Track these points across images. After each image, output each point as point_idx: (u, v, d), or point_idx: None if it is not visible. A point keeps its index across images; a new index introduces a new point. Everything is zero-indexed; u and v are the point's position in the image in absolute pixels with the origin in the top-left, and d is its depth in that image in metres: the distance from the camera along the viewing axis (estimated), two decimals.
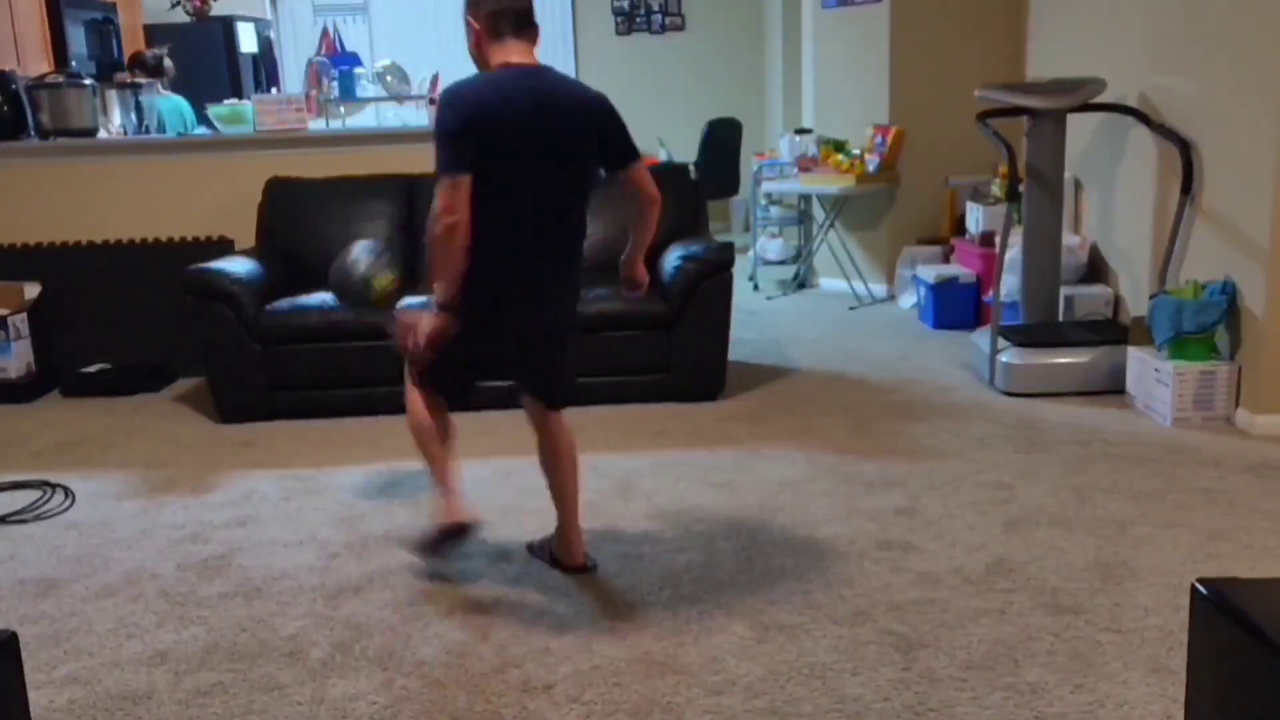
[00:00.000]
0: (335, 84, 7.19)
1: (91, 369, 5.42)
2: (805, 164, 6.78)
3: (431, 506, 3.25)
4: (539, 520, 3.51)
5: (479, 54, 2.90)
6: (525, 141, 2.79)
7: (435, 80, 6.29)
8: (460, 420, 4.60)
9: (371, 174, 5.34)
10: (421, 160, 5.49)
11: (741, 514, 3.51)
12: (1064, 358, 4.65)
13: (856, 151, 6.58)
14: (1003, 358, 4.69)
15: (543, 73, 2.87)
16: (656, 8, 9.48)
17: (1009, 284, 5.23)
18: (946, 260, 6.40)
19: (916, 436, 4.19)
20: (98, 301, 5.51)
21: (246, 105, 5.70)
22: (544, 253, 2.90)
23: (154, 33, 8.12)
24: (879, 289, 6.82)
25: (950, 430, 4.25)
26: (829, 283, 7.10)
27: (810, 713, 2.41)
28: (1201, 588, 1.68)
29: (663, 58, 9.54)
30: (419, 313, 2.89)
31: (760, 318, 6.41)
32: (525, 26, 2.88)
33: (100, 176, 5.53)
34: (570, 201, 2.90)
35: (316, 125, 6.43)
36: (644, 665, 2.63)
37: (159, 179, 5.56)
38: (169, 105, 6.27)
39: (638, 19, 9.50)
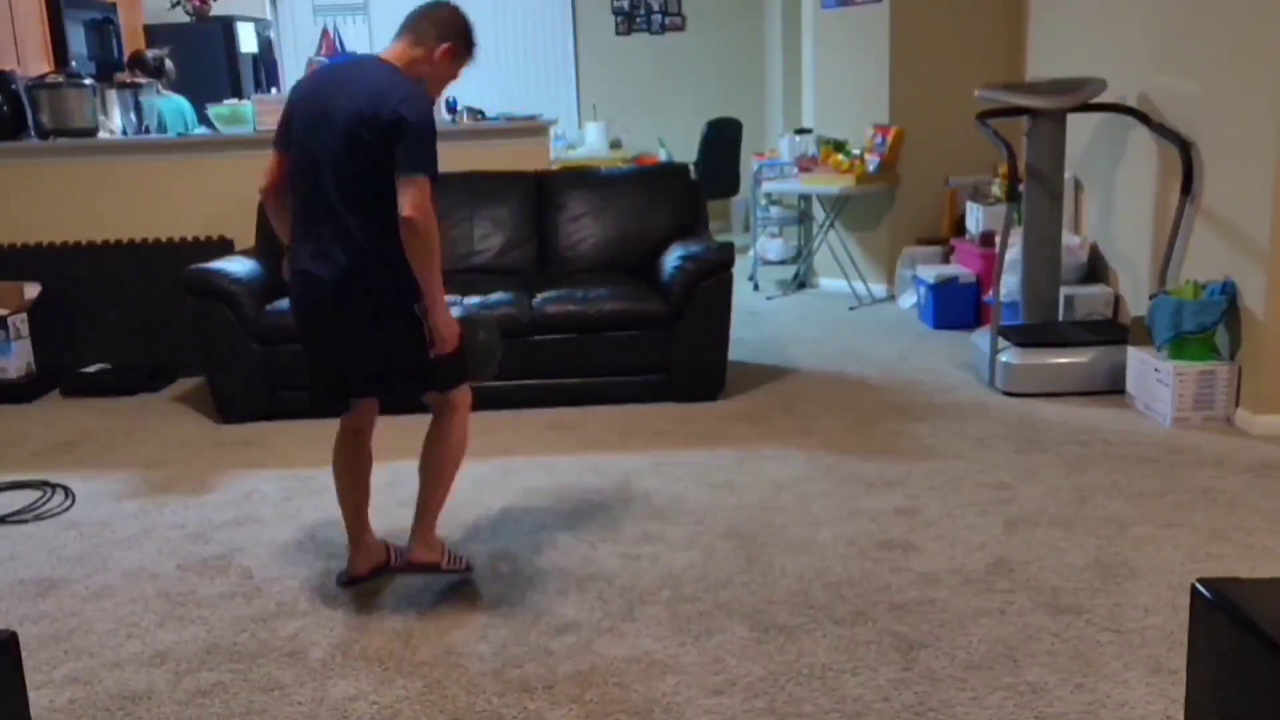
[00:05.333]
0: None
1: (91, 369, 5.42)
2: (805, 164, 6.78)
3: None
4: (539, 519, 3.52)
5: None
6: (300, 125, 2.89)
7: None
8: None
9: None
10: None
11: (741, 514, 3.51)
12: (1064, 358, 4.65)
13: (856, 151, 6.57)
14: (1003, 358, 4.69)
15: (358, 60, 2.93)
16: (656, 8, 9.48)
17: (1009, 284, 5.23)
18: (946, 260, 6.39)
19: (916, 436, 4.19)
20: (98, 301, 5.51)
21: (246, 105, 5.70)
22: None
23: (154, 33, 8.11)
24: (879, 289, 6.82)
25: (950, 430, 4.25)
26: (829, 283, 7.10)
27: (810, 713, 2.41)
28: (1201, 588, 1.68)
29: (663, 58, 9.53)
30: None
31: (760, 318, 6.41)
32: (401, 28, 2.95)
33: (100, 176, 5.53)
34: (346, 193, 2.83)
35: None
36: (644, 665, 2.63)
37: (159, 179, 5.56)
38: (169, 105, 6.27)
39: (638, 19, 9.50)
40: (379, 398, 3.11)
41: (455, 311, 3.06)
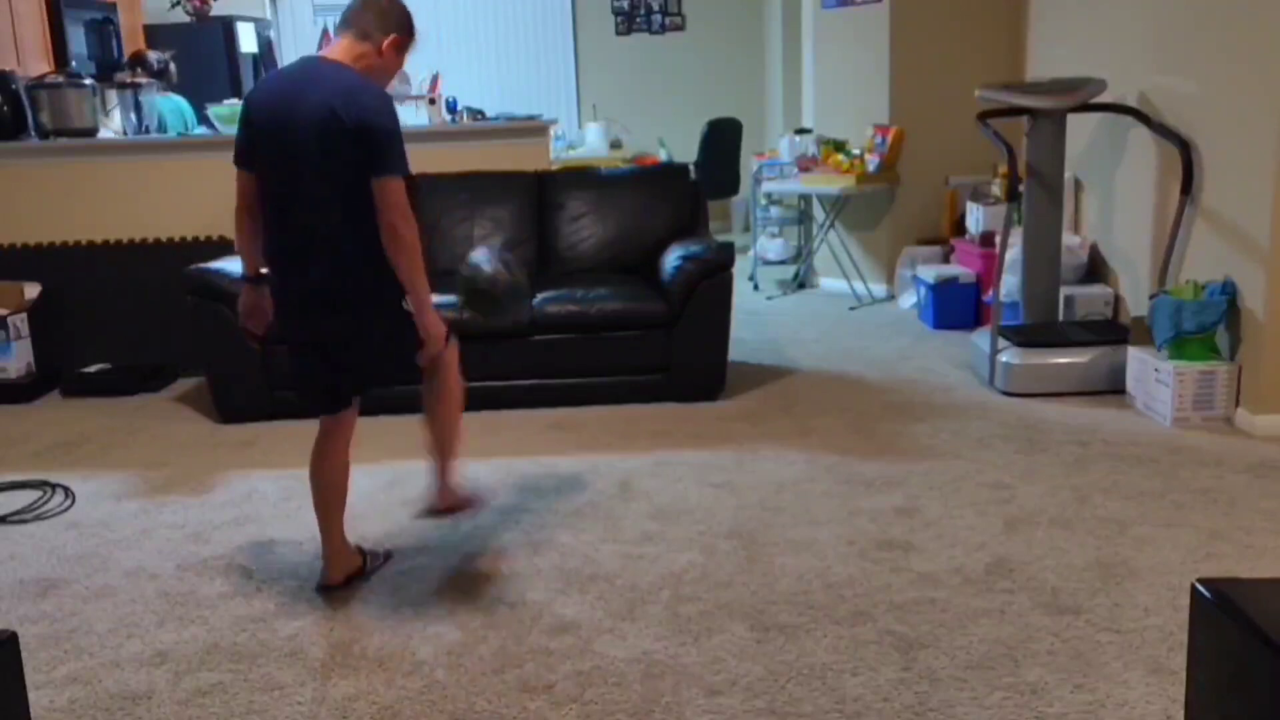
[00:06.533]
0: None
1: (91, 369, 5.42)
2: (805, 164, 6.78)
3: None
4: (539, 519, 3.52)
5: None
6: (264, 139, 2.86)
7: (435, 80, 6.28)
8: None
9: None
10: (422, 159, 5.48)
11: (741, 514, 3.51)
12: (1064, 358, 4.65)
13: (856, 151, 6.57)
14: (1003, 358, 4.69)
15: (309, 66, 2.89)
16: (656, 8, 9.48)
17: (1009, 284, 5.23)
18: (946, 260, 6.39)
19: (916, 436, 4.19)
20: (98, 301, 5.51)
21: None
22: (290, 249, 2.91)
23: (154, 33, 8.11)
24: (879, 289, 6.82)
25: (950, 430, 4.25)
26: (829, 283, 7.10)
27: (810, 713, 2.41)
28: (1201, 588, 1.68)
29: (663, 58, 9.53)
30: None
31: (760, 318, 6.41)
32: (342, 24, 2.93)
33: (100, 176, 5.53)
34: (318, 200, 2.82)
35: None
36: (644, 665, 2.63)
37: (159, 179, 5.56)
38: (169, 105, 6.27)
39: (638, 19, 9.50)
40: (377, 386, 3.15)
41: (479, 255, 3.17)
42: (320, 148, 2.77)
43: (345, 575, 3.11)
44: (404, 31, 2.95)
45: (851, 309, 6.55)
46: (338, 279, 2.87)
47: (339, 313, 2.91)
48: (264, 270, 3.01)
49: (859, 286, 6.79)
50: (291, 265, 2.89)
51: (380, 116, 2.78)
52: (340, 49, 2.90)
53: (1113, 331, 4.76)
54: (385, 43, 2.91)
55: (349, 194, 2.80)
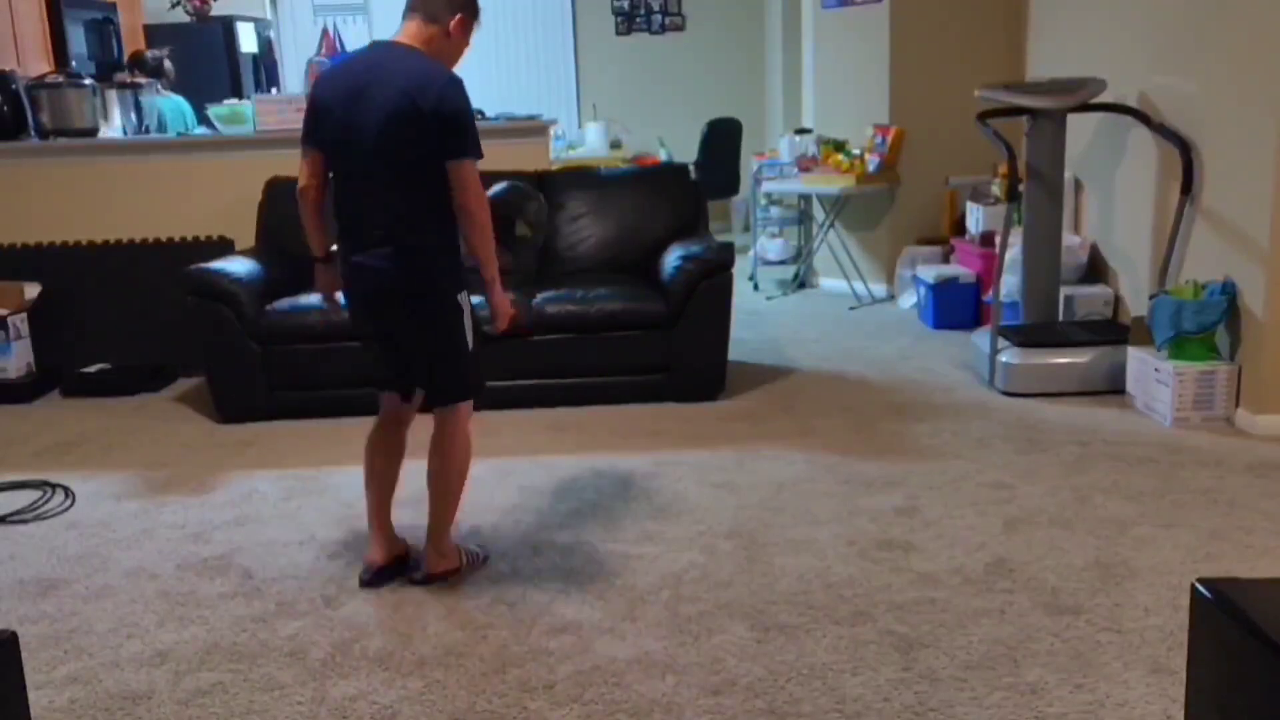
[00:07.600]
0: None
1: (91, 369, 5.42)
2: (805, 164, 6.78)
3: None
4: (539, 519, 3.52)
5: None
6: (337, 121, 2.89)
7: None
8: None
9: None
10: None
11: (741, 514, 3.51)
12: (1064, 358, 4.65)
13: (856, 151, 6.57)
14: (1003, 358, 4.69)
15: (381, 50, 2.91)
16: (656, 8, 9.48)
17: (1009, 284, 5.23)
18: (946, 260, 6.39)
19: (916, 436, 4.19)
20: (98, 301, 5.51)
21: (246, 105, 5.70)
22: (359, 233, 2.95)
23: (154, 33, 8.12)
24: (879, 289, 6.82)
25: (950, 430, 4.25)
26: (829, 283, 7.10)
27: (810, 713, 2.41)
28: (1201, 588, 1.67)
29: (663, 58, 9.53)
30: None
31: (760, 318, 6.41)
32: (410, 8, 2.96)
33: (100, 176, 5.53)
34: (390, 184, 2.87)
35: None
36: (644, 665, 2.63)
37: (159, 179, 5.56)
38: (169, 105, 6.27)
39: (638, 19, 9.50)
40: (407, 385, 3.15)
41: (498, 187, 3.16)
42: (392, 136, 2.82)
43: (390, 557, 3.13)
44: (469, 11, 2.99)
45: (851, 309, 6.55)
46: (396, 265, 2.91)
47: (393, 301, 2.96)
48: (333, 249, 3.08)
49: (859, 286, 6.79)
50: (353, 250, 2.95)
51: (458, 101, 2.84)
52: (409, 32, 2.93)
53: (1113, 331, 4.76)
54: (453, 23, 2.95)
55: (413, 183, 2.87)
